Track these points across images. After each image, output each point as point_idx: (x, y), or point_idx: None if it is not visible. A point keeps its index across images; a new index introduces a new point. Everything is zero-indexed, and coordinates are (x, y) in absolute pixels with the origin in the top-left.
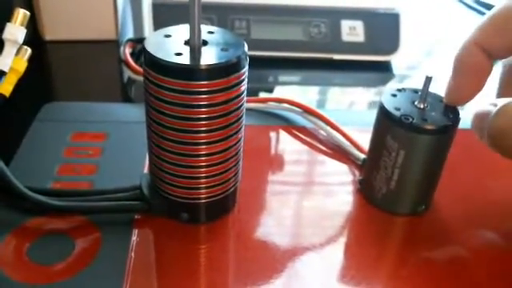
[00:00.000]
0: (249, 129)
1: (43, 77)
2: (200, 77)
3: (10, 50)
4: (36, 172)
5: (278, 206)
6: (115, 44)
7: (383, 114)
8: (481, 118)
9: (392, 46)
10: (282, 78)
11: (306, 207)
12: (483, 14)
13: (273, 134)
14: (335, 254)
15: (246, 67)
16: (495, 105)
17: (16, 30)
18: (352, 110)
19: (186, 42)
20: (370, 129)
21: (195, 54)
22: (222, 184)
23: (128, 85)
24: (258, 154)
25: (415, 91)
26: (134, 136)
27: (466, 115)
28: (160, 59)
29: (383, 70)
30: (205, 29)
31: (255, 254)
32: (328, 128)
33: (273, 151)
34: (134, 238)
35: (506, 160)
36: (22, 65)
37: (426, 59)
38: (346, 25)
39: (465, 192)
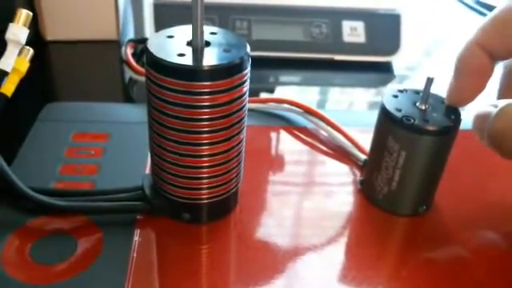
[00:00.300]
0: (250, 129)
1: (44, 77)
2: (202, 77)
3: (12, 51)
4: (38, 172)
5: (280, 207)
6: (116, 44)
7: (385, 115)
8: (481, 119)
9: (393, 46)
10: (283, 78)
11: (306, 208)
12: (483, 14)
13: (274, 135)
14: (336, 254)
15: (249, 68)
16: (496, 106)
17: (19, 31)
18: (353, 110)
19: (189, 43)
20: (371, 129)
21: (198, 54)
22: (223, 184)
23: (129, 85)
24: (260, 154)
25: (417, 92)
26: (135, 136)
27: (468, 116)
28: (162, 60)
29: (384, 71)
30: (207, 29)
31: (257, 255)
32: (329, 128)
33: (274, 152)
34: (136, 239)
35: (507, 161)
36: (25, 65)
37: (426, 60)
38: (347, 25)
39: (466, 193)
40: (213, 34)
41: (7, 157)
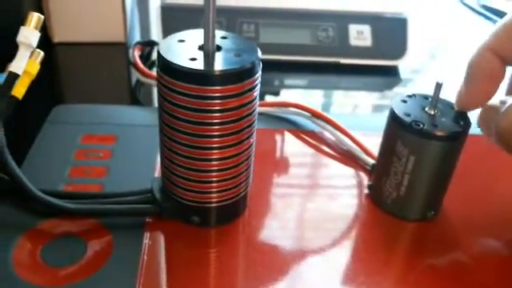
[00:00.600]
0: (258, 132)
1: (52, 79)
2: (214, 82)
3: (24, 53)
4: (47, 174)
5: (287, 211)
6: (123, 47)
7: (394, 120)
8: (488, 115)
9: (399, 50)
10: (290, 81)
11: (314, 212)
12: (488, 17)
13: (281, 138)
14: (344, 258)
15: (259, 73)
16: (504, 102)
17: (30, 34)
18: (359, 114)
19: (200, 47)
20: (377, 133)
21: (209, 59)
22: (233, 188)
23: (136, 87)
24: (268, 157)
25: (425, 97)
26: (143, 139)
27: (476, 121)
28: (175, 64)
29: (390, 75)
30: (218, 34)
31: (265, 258)
32: (337, 132)
33: (282, 155)
34: (145, 241)
35: None
36: (35, 67)
37: (432, 63)
38: (353, 29)
39: (474, 197)
40: (224, 38)
41: (16, 159)
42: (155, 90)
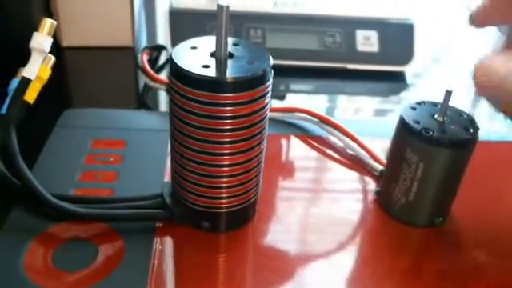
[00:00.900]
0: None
1: (60, 83)
2: (226, 89)
3: (37, 59)
4: (57, 178)
5: (296, 216)
6: (131, 51)
7: (403, 127)
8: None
9: (406, 56)
10: (297, 86)
11: (322, 217)
12: None
13: (289, 143)
14: (352, 264)
15: (271, 80)
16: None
17: (43, 39)
18: (366, 119)
19: (212, 54)
20: (384, 139)
21: (221, 66)
22: (243, 194)
23: (144, 92)
24: (277, 162)
25: (434, 104)
26: (152, 144)
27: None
28: (187, 71)
29: (397, 80)
30: (230, 41)
31: (275, 264)
32: (345, 138)
33: (290, 160)
34: (156, 246)
35: None
36: (47, 72)
37: (438, 69)
38: (360, 35)
39: (483, 204)
40: (235, 45)
41: (25, 163)
42: (163, 95)
